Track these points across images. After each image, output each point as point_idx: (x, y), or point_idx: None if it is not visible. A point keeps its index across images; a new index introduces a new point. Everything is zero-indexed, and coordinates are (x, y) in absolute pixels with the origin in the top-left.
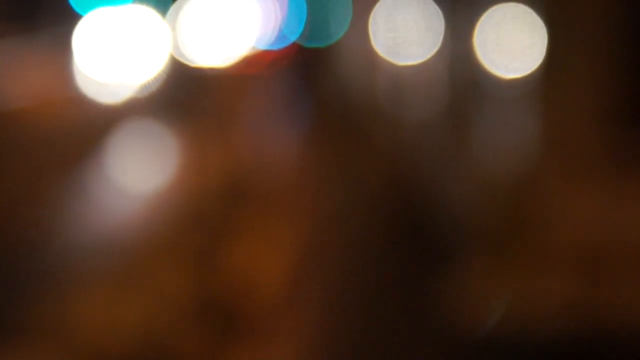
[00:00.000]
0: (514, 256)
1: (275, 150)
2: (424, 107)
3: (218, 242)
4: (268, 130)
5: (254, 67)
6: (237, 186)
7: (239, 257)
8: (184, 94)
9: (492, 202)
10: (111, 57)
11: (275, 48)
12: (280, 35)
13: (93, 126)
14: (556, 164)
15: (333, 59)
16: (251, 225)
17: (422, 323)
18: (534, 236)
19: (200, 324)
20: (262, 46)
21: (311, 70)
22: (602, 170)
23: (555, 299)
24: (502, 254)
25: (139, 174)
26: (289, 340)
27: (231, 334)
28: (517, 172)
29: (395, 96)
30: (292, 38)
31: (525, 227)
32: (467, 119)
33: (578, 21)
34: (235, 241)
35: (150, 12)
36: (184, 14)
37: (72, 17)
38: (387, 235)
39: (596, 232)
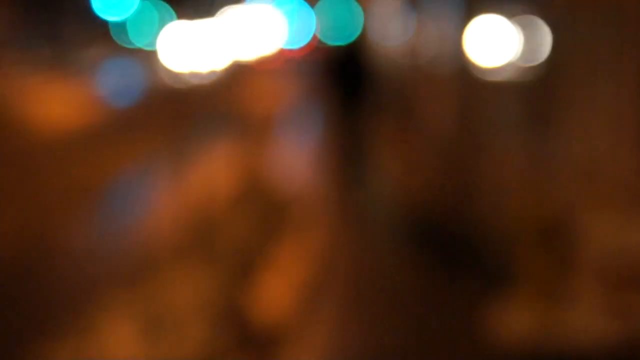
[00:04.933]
0: (549, 283)
1: (303, 161)
2: (456, 126)
3: (246, 260)
4: (296, 140)
5: (278, 63)
6: (264, 202)
7: (264, 275)
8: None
9: (526, 230)
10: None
11: (297, 47)
12: (301, 35)
13: (118, 140)
14: (591, 193)
15: (356, 58)
16: (279, 242)
17: (459, 346)
18: (569, 263)
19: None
20: (285, 45)
21: (334, 70)
22: (635, 198)
23: (588, 324)
24: (538, 281)
25: (166, 190)
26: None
27: (253, 349)
28: (552, 201)
29: (426, 108)
30: (311, 37)
31: (560, 255)
32: (501, 145)
33: (614, 50)
34: (263, 258)
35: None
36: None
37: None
38: (420, 261)
39: (631, 260)
